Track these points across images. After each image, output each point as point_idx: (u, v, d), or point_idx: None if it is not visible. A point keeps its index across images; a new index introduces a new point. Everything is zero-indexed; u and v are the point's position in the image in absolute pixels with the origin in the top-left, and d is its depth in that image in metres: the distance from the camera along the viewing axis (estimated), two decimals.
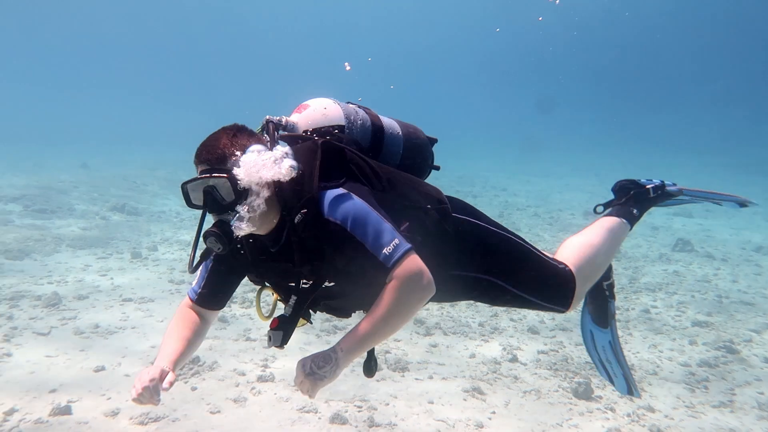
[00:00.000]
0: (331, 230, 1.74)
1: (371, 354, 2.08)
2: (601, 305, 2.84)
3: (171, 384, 1.72)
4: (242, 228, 1.72)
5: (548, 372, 4.59)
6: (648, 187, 2.75)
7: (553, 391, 4.27)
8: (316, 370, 1.63)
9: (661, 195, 2.77)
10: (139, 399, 1.70)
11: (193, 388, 3.98)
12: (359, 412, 3.82)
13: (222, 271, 2.01)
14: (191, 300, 2.05)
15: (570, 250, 2.39)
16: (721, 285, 7.32)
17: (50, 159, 19.01)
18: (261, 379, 4.17)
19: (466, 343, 5.14)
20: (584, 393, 4.16)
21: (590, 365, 4.73)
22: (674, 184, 2.86)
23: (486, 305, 2.30)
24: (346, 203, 1.75)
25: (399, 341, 5.07)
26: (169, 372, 1.75)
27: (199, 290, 2.03)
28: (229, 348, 4.72)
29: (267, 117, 1.96)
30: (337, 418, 3.67)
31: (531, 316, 5.81)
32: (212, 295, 2.04)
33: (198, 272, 2.04)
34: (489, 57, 58.26)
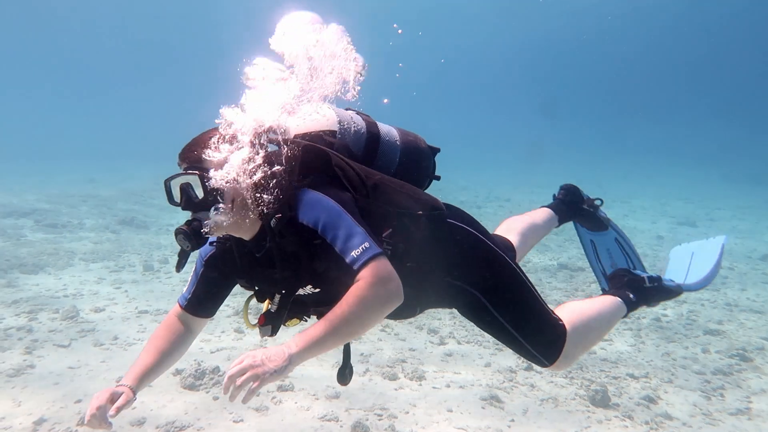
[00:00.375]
0: (305, 233, 1.74)
1: (347, 361, 2.03)
2: (591, 217, 3.05)
3: (118, 410, 1.73)
4: (213, 227, 1.73)
5: (564, 380, 4.63)
6: (643, 276, 2.66)
7: (570, 399, 4.31)
8: (266, 363, 1.55)
9: (658, 287, 2.63)
10: (90, 425, 1.72)
11: (215, 398, 4.03)
12: (380, 420, 3.86)
13: (212, 277, 2.02)
14: (180, 306, 2.06)
15: (567, 312, 2.29)
16: (729, 293, 7.36)
17: (57, 174, 19.16)
18: (281, 388, 4.21)
19: (481, 352, 5.18)
20: (601, 401, 4.19)
21: (605, 373, 4.77)
22: (672, 281, 2.75)
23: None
24: (319, 206, 1.74)
25: (414, 350, 5.11)
26: (122, 393, 1.77)
27: (189, 296, 2.05)
28: None
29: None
30: (359, 426, 3.71)
31: None
32: (200, 302, 2.05)
33: (189, 279, 2.07)
34: (491, 64, 58.57)
